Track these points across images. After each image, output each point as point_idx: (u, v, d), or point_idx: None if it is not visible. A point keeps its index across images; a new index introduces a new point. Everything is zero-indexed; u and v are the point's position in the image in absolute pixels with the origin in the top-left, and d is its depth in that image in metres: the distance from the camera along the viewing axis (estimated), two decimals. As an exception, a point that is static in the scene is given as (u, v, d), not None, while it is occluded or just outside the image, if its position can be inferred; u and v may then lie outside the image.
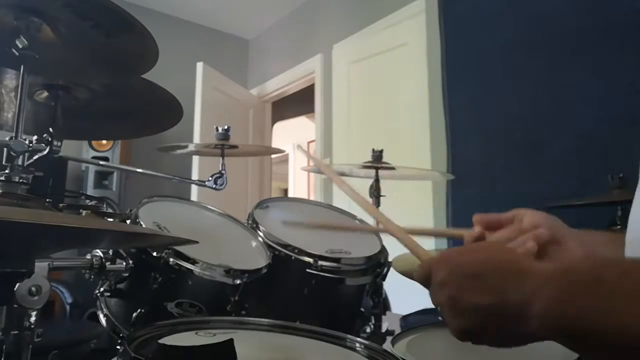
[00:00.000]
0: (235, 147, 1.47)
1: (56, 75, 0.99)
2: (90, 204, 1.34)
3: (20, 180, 0.82)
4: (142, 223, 1.05)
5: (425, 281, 0.52)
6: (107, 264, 0.85)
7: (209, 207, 1.33)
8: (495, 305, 0.43)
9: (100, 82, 1.04)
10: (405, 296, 1.77)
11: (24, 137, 0.85)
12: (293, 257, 1.16)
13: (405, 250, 0.63)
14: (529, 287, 0.41)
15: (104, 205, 1.22)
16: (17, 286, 0.60)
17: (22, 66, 0.83)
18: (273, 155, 4.82)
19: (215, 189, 1.38)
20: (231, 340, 0.67)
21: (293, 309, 1.17)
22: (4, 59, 0.86)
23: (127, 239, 0.66)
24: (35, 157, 0.87)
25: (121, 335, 1.00)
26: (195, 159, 3.40)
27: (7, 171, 0.81)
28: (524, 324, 0.41)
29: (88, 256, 0.84)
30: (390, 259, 1.28)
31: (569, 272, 0.41)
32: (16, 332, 0.62)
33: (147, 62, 0.91)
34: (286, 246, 1.17)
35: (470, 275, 0.46)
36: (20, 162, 0.83)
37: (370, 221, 1.52)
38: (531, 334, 0.41)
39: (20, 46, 0.80)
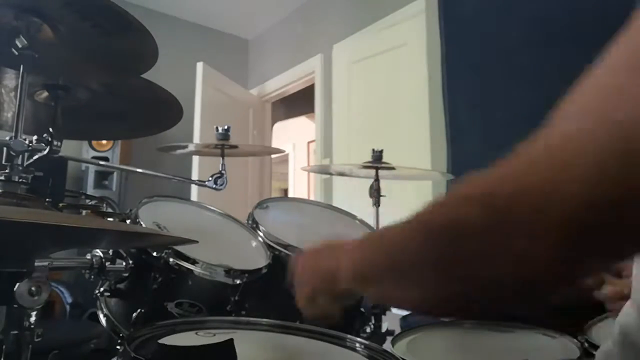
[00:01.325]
0: (235, 147, 1.47)
1: (56, 75, 0.99)
2: (90, 203, 1.34)
3: (20, 180, 0.82)
4: (142, 223, 1.05)
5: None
6: (107, 264, 0.85)
7: (209, 207, 1.33)
8: (323, 270, 0.59)
9: (100, 82, 1.04)
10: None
11: (23, 137, 0.85)
12: (293, 257, 1.16)
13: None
14: (339, 254, 0.56)
15: (104, 205, 1.22)
16: (17, 286, 0.60)
17: (21, 66, 0.83)
18: (273, 155, 4.82)
19: (215, 189, 1.38)
20: (231, 340, 0.67)
21: (293, 309, 1.17)
22: (4, 59, 0.86)
23: (127, 239, 0.66)
24: (35, 157, 0.87)
25: (121, 335, 1.00)
26: (195, 159, 3.40)
27: (6, 171, 0.81)
28: (338, 283, 0.55)
29: (88, 256, 0.84)
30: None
31: (361, 241, 0.54)
32: (16, 332, 0.62)
33: (146, 61, 0.92)
34: (286, 246, 1.17)
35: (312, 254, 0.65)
36: (20, 162, 0.83)
37: (371, 221, 1.52)
38: (347, 280, 0.54)
39: (20, 46, 0.80)
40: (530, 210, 0.32)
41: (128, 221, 1.07)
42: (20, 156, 0.83)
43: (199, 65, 3.65)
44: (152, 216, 1.10)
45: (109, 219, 1.10)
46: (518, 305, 0.41)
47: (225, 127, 1.42)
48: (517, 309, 0.39)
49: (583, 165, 0.29)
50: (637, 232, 0.30)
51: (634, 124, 0.28)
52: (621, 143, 0.28)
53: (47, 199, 1.02)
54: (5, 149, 0.82)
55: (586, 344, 0.85)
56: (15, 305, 0.61)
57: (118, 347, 0.98)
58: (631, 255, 0.41)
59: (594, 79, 0.33)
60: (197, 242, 0.68)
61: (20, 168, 0.83)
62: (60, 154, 0.90)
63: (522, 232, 0.33)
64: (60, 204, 1.10)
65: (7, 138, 0.84)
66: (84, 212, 1.11)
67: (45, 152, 0.87)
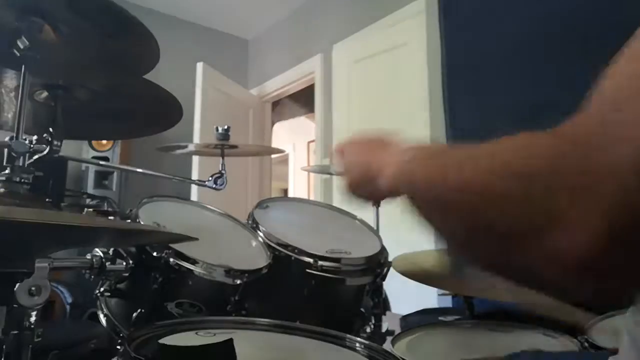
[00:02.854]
0: (235, 147, 1.47)
1: (57, 75, 0.99)
2: (91, 203, 1.34)
3: (22, 181, 0.82)
4: (142, 223, 1.05)
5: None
6: (107, 264, 0.85)
7: (209, 207, 1.33)
8: (367, 163, 0.59)
9: (101, 82, 1.04)
10: (405, 296, 1.77)
11: (24, 137, 0.85)
12: (293, 257, 1.16)
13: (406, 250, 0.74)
14: (387, 158, 0.55)
15: (105, 205, 1.22)
16: (17, 286, 0.60)
17: (23, 67, 0.83)
18: (273, 155, 4.82)
19: (215, 189, 1.38)
20: (231, 340, 0.67)
21: (293, 309, 1.17)
22: (6, 60, 0.86)
23: (128, 236, 0.66)
24: (36, 157, 0.87)
25: (121, 335, 1.00)
26: (195, 159, 3.40)
27: (7, 171, 0.81)
28: (379, 181, 0.54)
29: (88, 256, 0.84)
30: (390, 259, 1.28)
31: (420, 145, 0.53)
32: (16, 332, 0.62)
33: (148, 62, 0.92)
34: (286, 246, 1.17)
35: (359, 144, 0.65)
36: (21, 163, 0.83)
37: (371, 221, 1.52)
38: (385, 190, 0.54)
39: (22, 47, 0.80)
40: (584, 204, 0.29)
41: (128, 221, 1.07)
42: (21, 157, 0.83)
43: (199, 65, 3.65)
44: (152, 216, 1.10)
45: (110, 217, 1.10)
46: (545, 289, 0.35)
47: (225, 127, 1.42)
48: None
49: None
50: None
51: None
52: None
53: (47, 199, 1.02)
54: (5, 150, 0.82)
55: (586, 344, 0.85)
56: (15, 305, 0.61)
57: (118, 347, 0.98)
58: None
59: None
60: (196, 238, 0.68)
61: (21, 169, 0.83)
62: (60, 154, 0.90)
63: (575, 226, 0.29)
64: (62, 204, 1.10)
65: (8, 138, 0.84)
66: (85, 210, 1.11)
67: (45, 152, 0.87)
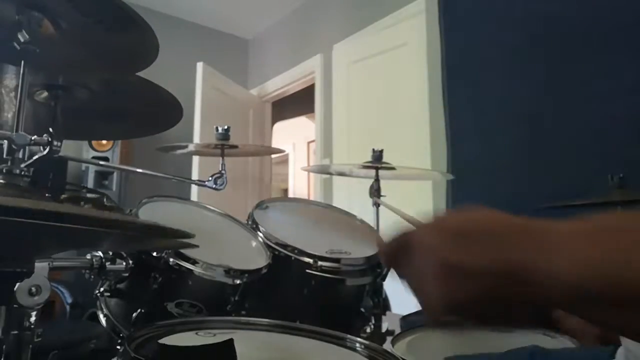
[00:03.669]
0: (235, 147, 1.47)
1: (57, 71, 0.99)
2: (90, 196, 1.34)
3: (23, 173, 0.82)
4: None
5: (404, 252, 0.41)
6: (107, 264, 0.85)
7: (209, 207, 1.33)
8: (496, 265, 0.35)
9: (101, 77, 1.03)
10: (405, 296, 1.77)
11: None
12: (293, 258, 1.16)
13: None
14: (541, 243, 0.34)
15: (105, 200, 1.22)
16: (17, 286, 0.60)
17: (23, 61, 0.83)
18: (273, 155, 4.82)
19: (215, 189, 1.38)
20: (231, 340, 0.67)
21: (293, 309, 1.17)
22: (6, 54, 0.86)
23: (133, 237, 0.66)
24: (35, 157, 0.87)
25: (121, 335, 1.00)
26: (195, 159, 3.40)
27: (8, 164, 0.81)
28: (533, 289, 0.33)
29: (88, 256, 0.84)
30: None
31: (591, 222, 0.34)
32: (16, 332, 0.62)
33: (147, 57, 0.91)
34: (286, 246, 1.17)
35: (464, 234, 0.37)
36: (21, 156, 0.83)
37: (371, 221, 1.52)
38: (542, 302, 0.35)
39: (22, 40, 0.80)
40: None
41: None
42: (21, 150, 0.83)
43: (199, 65, 3.65)
44: (152, 216, 1.10)
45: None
46: None
47: (225, 127, 1.42)
48: None
49: None
50: None
51: None
52: None
53: (46, 194, 1.01)
54: (6, 142, 0.82)
55: (586, 344, 0.85)
56: (15, 305, 0.61)
57: (118, 347, 0.99)
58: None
59: None
60: (197, 246, 0.68)
61: (22, 161, 0.83)
62: (60, 154, 0.90)
63: None
64: (62, 196, 1.09)
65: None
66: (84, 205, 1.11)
67: (45, 152, 0.87)
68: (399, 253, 0.42)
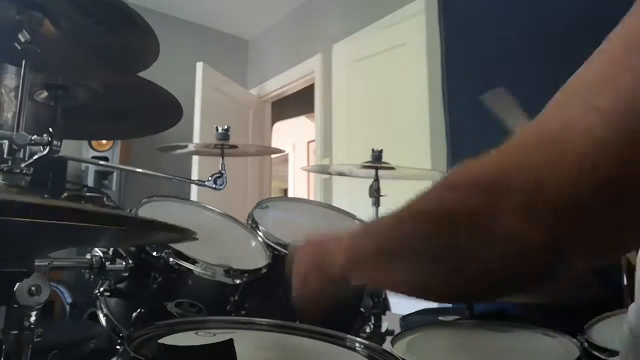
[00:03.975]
0: (235, 147, 1.47)
1: (57, 71, 0.99)
2: (90, 195, 1.34)
3: (24, 172, 0.82)
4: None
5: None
6: (107, 264, 0.85)
7: (209, 207, 1.33)
8: (320, 259, 0.62)
9: (101, 78, 1.03)
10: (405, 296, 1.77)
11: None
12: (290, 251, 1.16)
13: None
14: (333, 247, 0.60)
15: (105, 199, 1.22)
16: (17, 286, 0.60)
17: (24, 61, 0.83)
18: (273, 155, 4.82)
19: (215, 189, 1.38)
20: (231, 340, 0.67)
21: (293, 309, 1.17)
22: (7, 55, 0.87)
23: (132, 232, 0.66)
24: (36, 157, 0.87)
25: (121, 335, 1.00)
26: (195, 159, 3.40)
27: (9, 164, 0.81)
28: (332, 269, 0.58)
29: (88, 256, 0.84)
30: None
31: (354, 231, 0.60)
32: (16, 332, 0.62)
33: (148, 57, 0.92)
34: (286, 246, 1.17)
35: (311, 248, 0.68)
36: (21, 156, 0.83)
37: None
38: (338, 278, 0.59)
39: (23, 40, 0.80)
40: (526, 191, 0.32)
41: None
42: (22, 150, 0.83)
43: (199, 65, 3.65)
44: (152, 216, 1.09)
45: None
46: (508, 295, 0.42)
47: (225, 127, 1.42)
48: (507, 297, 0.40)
49: (580, 149, 0.30)
50: (633, 217, 0.31)
51: (615, 112, 0.29)
52: (606, 132, 0.29)
53: (46, 195, 1.02)
54: (7, 142, 0.82)
55: (586, 344, 0.85)
56: (15, 305, 0.61)
57: (118, 347, 0.99)
58: (627, 247, 0.41)
59: (586, 68, 0.35)
60: (197, 238, 0.68)
61: (22, 161, 0.83)
62: (60, 154, 0.90)
63: (516, 215, 0.33)
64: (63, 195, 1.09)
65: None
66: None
67: (46, 152, 0.87)
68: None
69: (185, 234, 0.64)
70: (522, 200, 0.32)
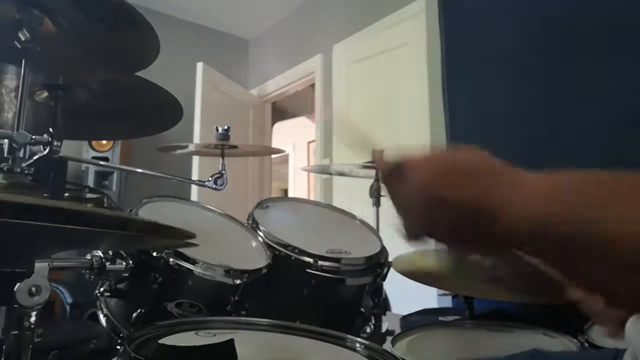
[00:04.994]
0: (235, 147, 1.47)
1: (57, 69, 0.99)
2: (92, 197, 1.34)
3: (26, 172, 0.82)
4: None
5: (397, 175, 0.47)
6: (107, 264, 0.85)
7: (209, 207, 1.32)
8: (471, 200, 0.40)
9: (101, 76, 1.03)
10: (405, 296, 1.77)
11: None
12: (293, 257, 1.16)
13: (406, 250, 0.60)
14: (509, 188, 0.40)
15: (105, 200, 1.22)
16: (17, 286, 0.60)
17: (24, 60, 0.83)
18: (273, 155, 4.82)
19: (215, 189, 1.38)
20: (231, 340, 0.67)
21: (293, 309, 1.17)
22: (7, 54, 0.86)
23: (133, 237, 0.66)
24: (36, 157, 0.87)
25: (121, 335, 1.00)
26: (195, 159, 3.40)
27: (9, 162, 0.81)
28: (495, 224, 0.39)
29: (88, 256, 0.84)
30: (390, 259, 1.28)
31: (559, 176, 0.39)
32: (16, 332, 0.62)
33: (147, 57, 0.91)
34: (286, 246, 1.17)
35: (450, 170, 0.44)
36: (21, 156, 0.83)
37: (371, 221, 1.52)
38: (503, 240, 0.39)
39: (23, 39, 0.80)
40: None
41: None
42: (22, 149, 0.83)
43: (199, 65, 3.65)
44: (152, 216, 1.10)
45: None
46: None
47: (225, 127, 1.42)
48: None
49: None
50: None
51: None
52: None
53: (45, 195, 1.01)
54: (6, 141, 0.82)
55: (586, 344, 0.85)
56: (15, 305, 0.61)
57: (118, 347, 0.98)
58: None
59: None
60: (196, 245, 0.68)
61: (23, 160, 0.83)
62: (60, 154, 0.90)
63: None
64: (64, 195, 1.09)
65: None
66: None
67: (46, 152, 0.87)
68: (393, 174, 0.48)
69: (186, 239, 0.64)
70: None
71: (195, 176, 3.27)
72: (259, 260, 1.13)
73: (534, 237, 0.36)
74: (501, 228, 0.38)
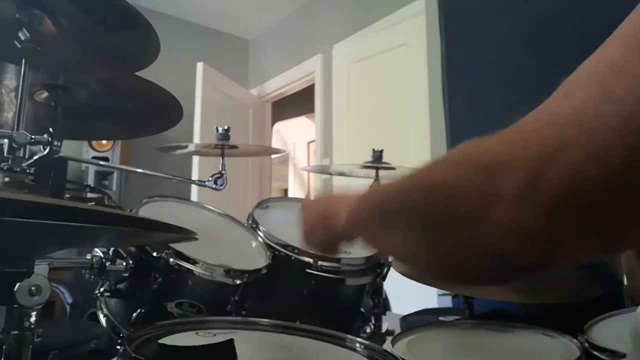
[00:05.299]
0: (235, 147, 1.47)
1: (57, 69, 0.99)
2: (93, 196, 1.34)
3: (27, 171, 0.82)
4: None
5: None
6: (107, 264, 0.85)
7: (209, 207, 1.32)
8: (326, 215, 0.63)
9: (101, 76, 1.03)
10: (405, 296, 1.77)
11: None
12: (293, 257, 1.16)
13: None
14: (340, 204, 0.61)
15: (105, 199, 1.22)
16: (17, 286, 0.60)
17: (23, 60, 0.83)
18: (273, 155, 4.82)
19: (215, 189, 1.38)
20: (231, 340, 0.67)
21: (293, 309, 1.17)
22: (7, 53, 0.87)
23: (132, 232, 0.66)
24: (36, 157, 0.87)
25: (121, 335, 1.00)
26: (195, 159, 3.40)
27: (9, 162, 0.81)
28: (336, 224, 0.60)
29: (88, 256, 0.84)
30: (390, 259, 1.28)
31: (357, 196, 0.58)
32: (16, 332, 0.62)
33: (147, 57, 0.91)
34: (286, 246, 1.17)
35: (313, 211, 0.69)
36: (21, 155, 0.83)
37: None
38: (345, 237, 0.62)
39: (23, 39, 0.80)
40: (530, 171, 0.31)
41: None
42: (22, 149, 0.83)
43: (199, 65, 3.65)
44: (152, 216, 1.09)
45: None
46: (498, 278, 0.43)
47: (225, 127, 1.42)
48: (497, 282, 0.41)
49: (591, 134, 0.29)
50: (635, 212, 0.30)
51: (632, 100, 0.28)
52: (621, 120, 0.28)
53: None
54: (6, 141, 0.82)
55: (586, 344, 0.85)
56: (15, 305, 0.61)
57: (118, 347, 0.98)
58: (624, 244, 0.39)
59: (599, 55, 0.34)
60: (196, 238, 0.68)
61: (23, 160, 0.83)
62: (60, 154, 0.90)
63: (515, 198, 0.32)
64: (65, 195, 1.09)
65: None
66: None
67: (46, 152, 0.87)
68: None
69: (185, 234, 0.64)
70: (524, 181, 0.31)
71: (195, 176, 3.27)
72: (259, 260, 1.13)
73: (354, 232, 0.57)
74: (341, 231, 0.60)
